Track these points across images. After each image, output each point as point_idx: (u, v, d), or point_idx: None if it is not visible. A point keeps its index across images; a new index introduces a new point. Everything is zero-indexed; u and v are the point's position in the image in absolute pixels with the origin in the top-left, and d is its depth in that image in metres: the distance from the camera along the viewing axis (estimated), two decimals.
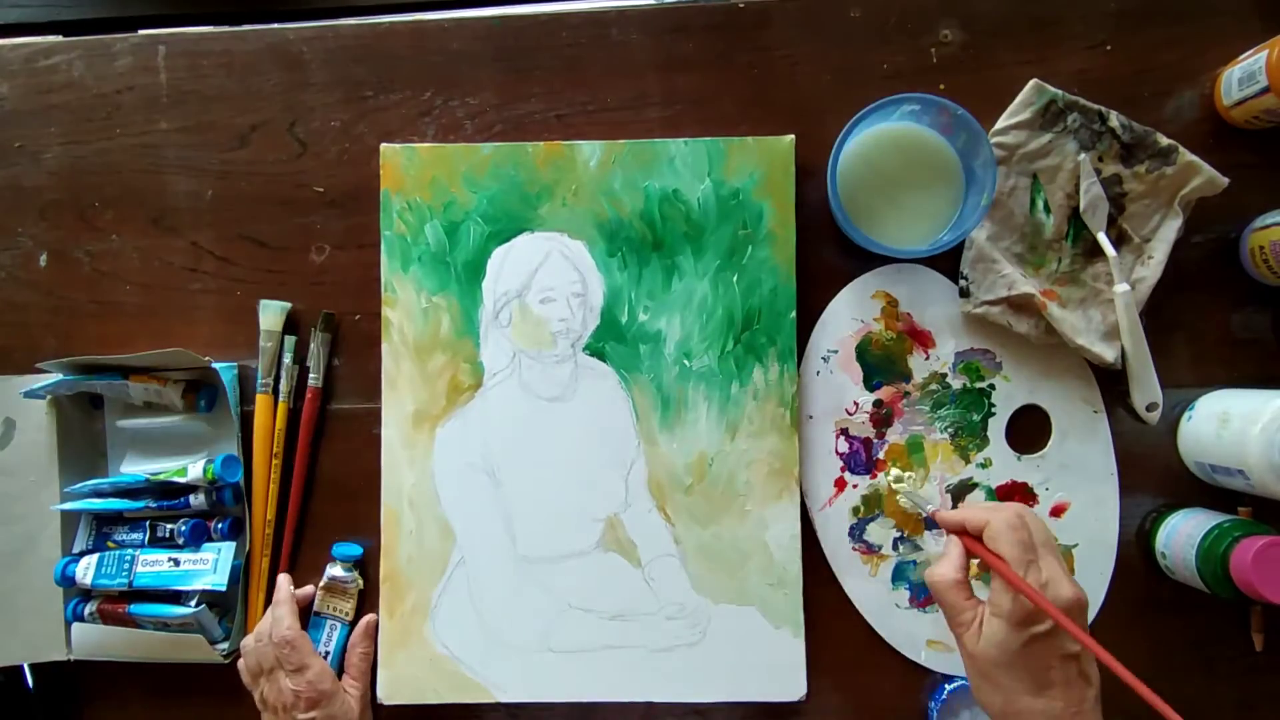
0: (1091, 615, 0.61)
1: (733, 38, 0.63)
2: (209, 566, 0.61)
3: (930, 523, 0.62)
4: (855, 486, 0.62)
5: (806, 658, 0.61)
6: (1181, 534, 0.58)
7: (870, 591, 0.62)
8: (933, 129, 0.59)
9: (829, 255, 0.63)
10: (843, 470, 0.62)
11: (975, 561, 0.51)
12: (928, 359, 0.62)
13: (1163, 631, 0.61)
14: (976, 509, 0.51)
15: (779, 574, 0.61)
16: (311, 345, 0.64)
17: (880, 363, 0.62)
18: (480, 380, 0.63)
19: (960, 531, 0.51)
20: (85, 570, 0.62)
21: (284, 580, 0.63)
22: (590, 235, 0.62)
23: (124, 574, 0.61)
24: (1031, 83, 0.60)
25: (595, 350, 0.62)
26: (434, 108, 0.64)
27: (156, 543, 0.63)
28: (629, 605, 0.62)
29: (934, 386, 0.62)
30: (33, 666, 0.65)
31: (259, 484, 0.63)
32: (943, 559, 0.51)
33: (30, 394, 0.63)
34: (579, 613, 0.62)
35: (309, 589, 0.63)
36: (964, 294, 0.61)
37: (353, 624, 0.63)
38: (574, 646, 0.62)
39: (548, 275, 0.63)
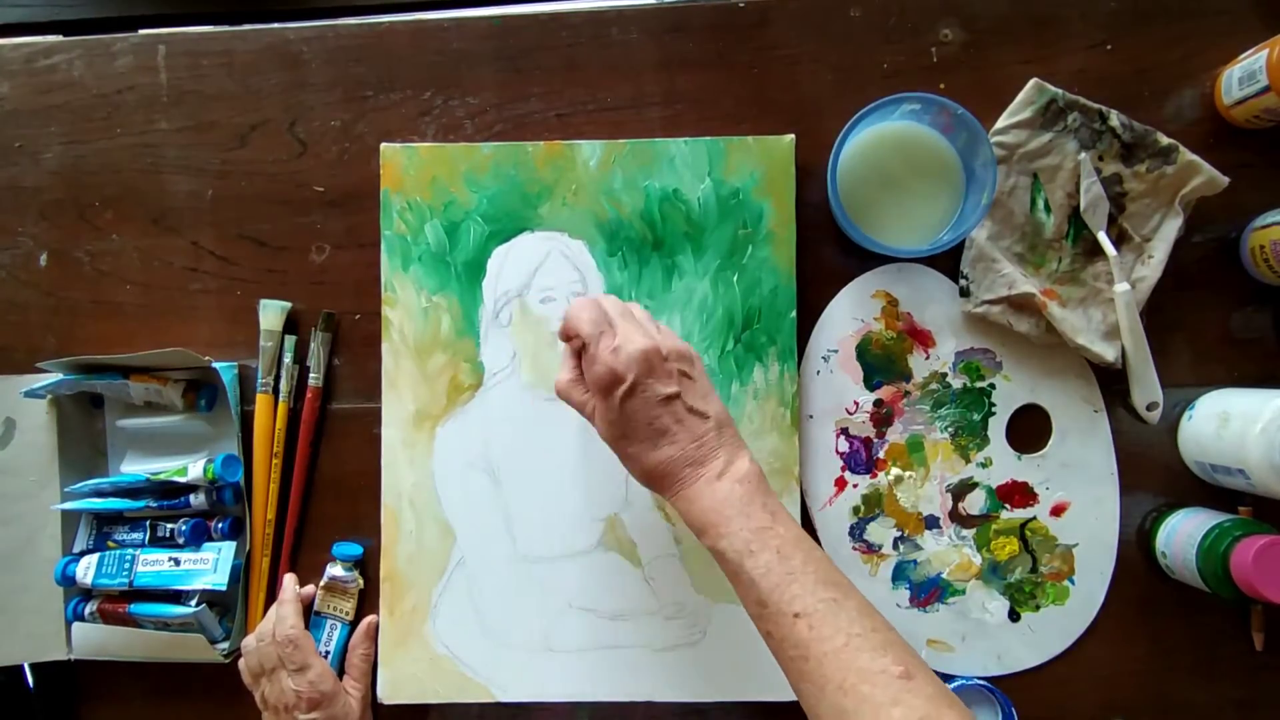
0: (1092, 615, 0.61)
1: (733, 37, 0.63)
2: (209, 566, 0.61)
3: (930, 522, 0.62)
4: (855, 486, 0.62)
5: None
6: (1182, 533, 0.58)
7: (870, 591, 0.62)
8: (933, 128, 0.59)
9: (829, 255, 0.63)
10: (843, 470, 0.62)
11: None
12: (928, 358, 0.62)
13: (1163, 631, 0.61)
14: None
15: None
16: (311, 345, 0.64)
17: (880, 362, 0.62)
18: (480, 380, 0.63)
19: (566, 336, 0.52)
20: (85, 570, 0.62)
21: (289, 580, 0.63)
22: (590, 235, 0.62)
23: (124, 574, 0.61)
24: (1032, 82, 0.60)
25: None
26: (434, 107, 0.64)
27: (157, 542, 0.63)
28: (629, 605, 0.62)
29: (934, 386, 0.62)
30: (33, 666, 0.65)
31: (259, 484, 0.63)
32: (560, 368, 0.52)
33: (30, 394, 0.63)
34: (579, 612, 0.62)
35: (310, 588, 0.63)
36: (964, 293, 0.61)
37: (353, 624, 0.63)
38: (574, 646, 0.62)
39: (548, 275, 0.63)
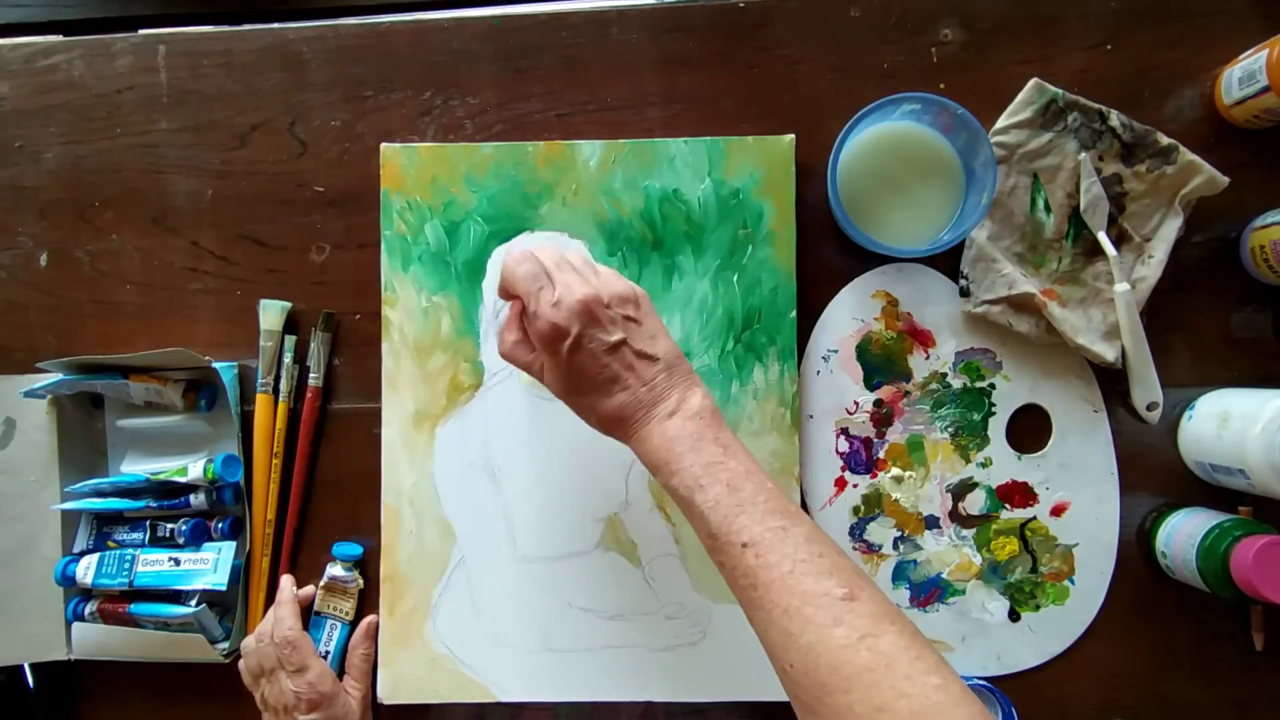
0: (1092, 615, 0.61)
1: (733, 37, 0.63)
2: (209, 566, 0.61)
3: (930, 522, 0.62)
4: (855, 486, 0.62)
5: None
6: (1182, 533, 0.58)
7: None
8: (933, 128, 0.59)
9: (829, 255, 0.63)
10: (843, 470, 0.62)
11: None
12: (928, 358, 0.62)
13: (1163, 631, 0.61)
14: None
15: None
16: (312, 345, 0.64)
17: (880, 362, 0.62)
18: (480, 380, 0.63)
19: (506, 295, 0.51)
20: (85, 570, 0.62)
21: (287, 581, 0.63)
22: (590, 235, 0.62)
23: (124, 573, 0.61)
24: (1032, 82, 0.60)
25: None
26: (434, 107, 0.64)
27: (157, 542, 0.63)
28: (629, 605, 0.62)
29: (934, 386, 0.62)
30: (33, 666, 0.65)
31: (259, 483, 0.63)
32: (503, 329, 0.52)
33: (30, 394, 0.63)
34: (579, 612, 0.62)
35: (310, 589, 0.63)
36: (964, 293, 0.61)
37: (353, 623, 0.63)
38: (574, 646, 0.62)
39: None
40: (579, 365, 0.47)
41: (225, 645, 0.62)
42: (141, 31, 0.67)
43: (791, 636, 0.41)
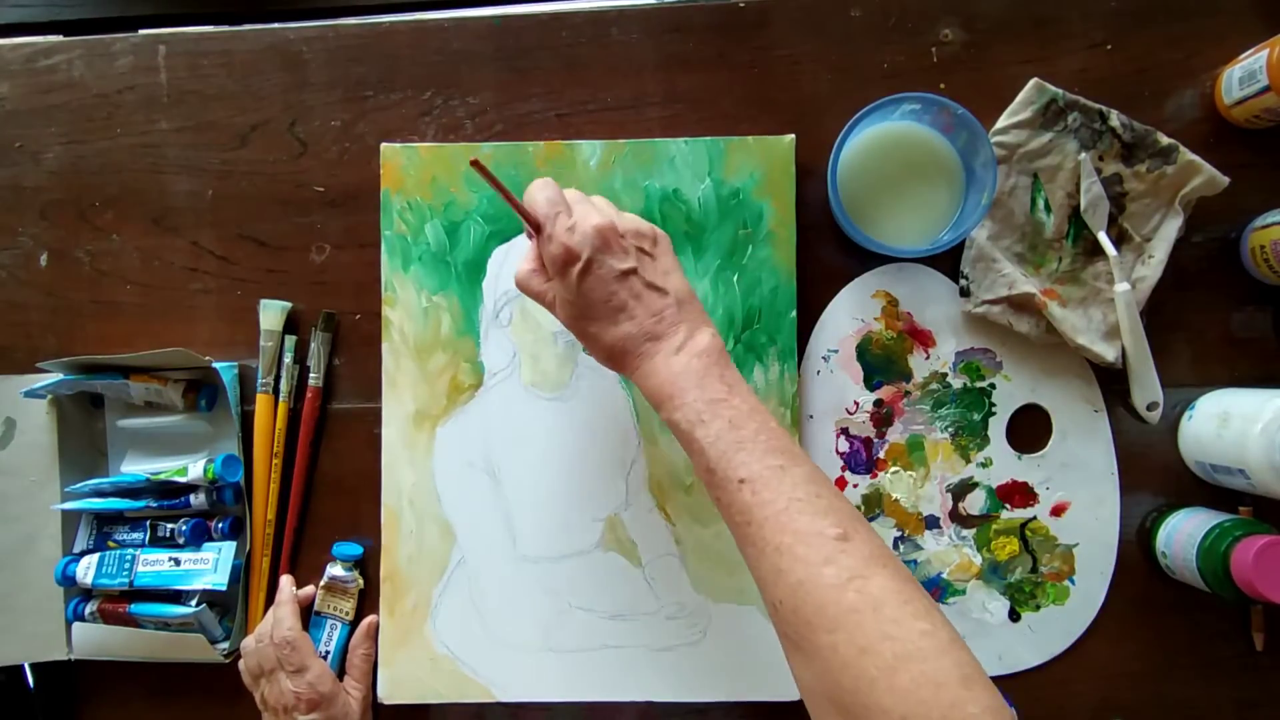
0: (1092, 615, 0.61)
1: (733, 37, 0.63)
2: (209, 566, 0.61)
3: (931, 522, 0.62)
4: (855, 486, 0.62)
5: None
6: (1182, 533, 0.58)
7: None
8: (933, 128, 0.59)
9: (829, 255, 0.63)
10: (843, 470, 0.62)
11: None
12: (928, 358, 0.62)
13: (1163, 631, 0.61)
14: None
15: None
16: (312, 345, 0.64)
17: (880, 362, 0.62)
18: (481, 380, 0.63)
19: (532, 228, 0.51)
20: (86, 570, 0.62)
21: (286, 581, 0.63)
22: None
23: (124, 573, 0.61)
24: (1032, 82, 0.60)
25: None
26: (434, 107, 0.64)
27: (157, 542, 0.63)
28: (629, 605, 0.62)
29: (934, 386, 0.62)
30: (33, 666, 0.65)
31: (259, 483, 0.63)
32: (521, 259, 0.52)
33: (30, 394, 0.63)
34: (579, 612, 0.62)
35: (310, 589, 0.63)
36: (964, 293, 0.61)
37: (353, 623, 0.63)
38: (574, 646, 0.62)
39: None
40: (588, 290, 0.47)
41: (225, 645, 0.62)
42: (141, 31, 0.67)
43: (781, 573, 0.41)
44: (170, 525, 0.63)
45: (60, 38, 0.67)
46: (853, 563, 0.40)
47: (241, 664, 0.60)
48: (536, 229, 0.49)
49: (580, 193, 0.51)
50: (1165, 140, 0.59)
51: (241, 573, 0.63)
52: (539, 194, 0.48)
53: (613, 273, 0.47)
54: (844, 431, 0.62)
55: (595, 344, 0.49)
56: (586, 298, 0.47)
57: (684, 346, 0.47)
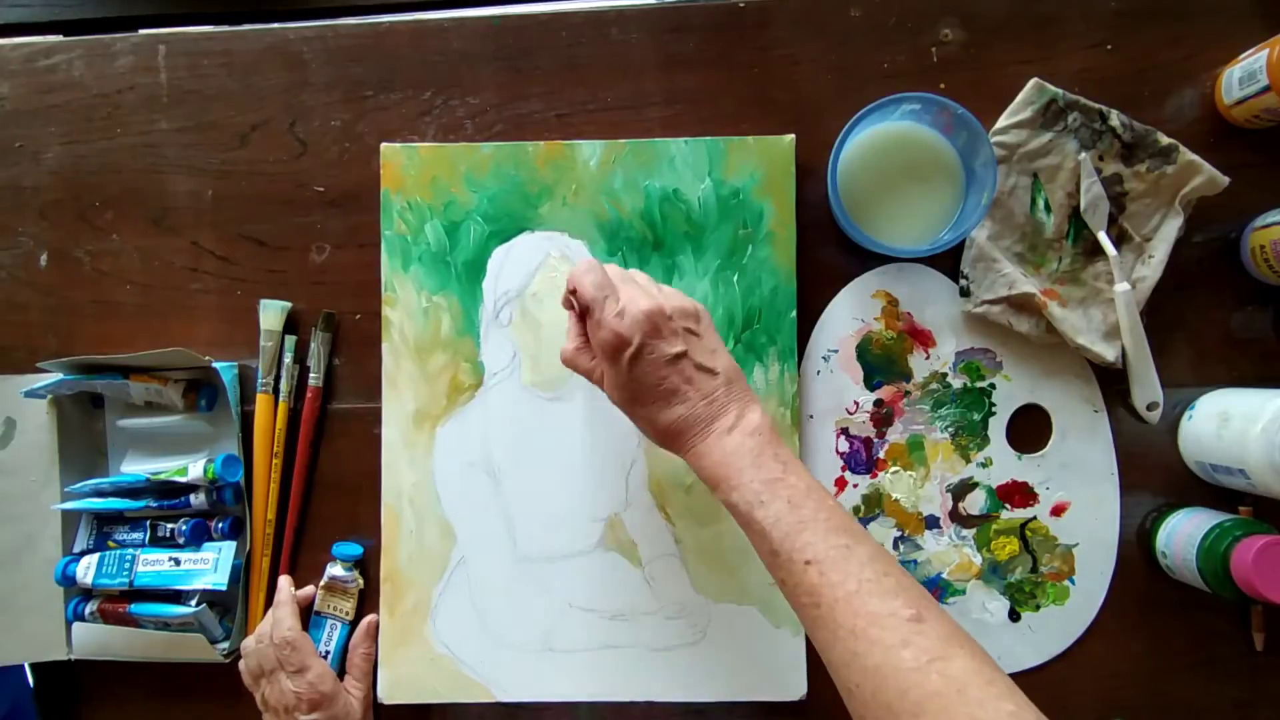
0: (1092, 615, 0.61)
1: (733, 37, 0.63)
2: (209, 566, 0.61)
3: (931, 522, 0.62)
4: (855, 486, 0.62)
5: (807, 657, 0.61)
6: (1182, 533, 0.58)
7: None
8: (933, 128, 0.59)
9: (829, 255, 0.63)
10: (843, 470, 0.62)
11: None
12: (928, 358, 0.62)
13: (1163, 631, 0.61)
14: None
15: None
16: (312, 345, 0.64)
17: (880, 362, 0.62)
18: (481, 380, 0.63)
19: (570, 304, 0.52)
20: (86, 570, 0.62)
21: (285, 582, 0.63)
22: (591, 235, 0.62)
23: (124, 573, 0.61)
24: (1032, 82, 0.60)
25: None
26: (434, 107, 0.64)
27: (157, 542, 0.63)
28: (629, 605, 0.62)
29: (934, 386, 0.62)
30: (33, 666, 0.65)
31: (259, 483, 0.63)
32: (566, 336, 0.52)
33: (31, 394, 0.63)
34: (579, 612, 0.62)
35: (309, 590, 0.63)
36: (964, 293, 0.61)
37: (353, 623, 0.63)
38: (574, 646, 0.62)
39: (548, 275, 0.63)
40: (639, 376, 0.48)
41: (225, 645, 0.62)
42: (141, 31, 0.67)
43: (857, 656, 0.41)
44: (170, 525, 0.63)
45: (60, 38, 0.67)
46: (930, 644, 0.40)
47: (242, 664, 0.60)
48: (584, 313, 0.49)
49: (620, 269, 0.51)
50: (1165, 140, 0.59)
51: (241, 573, 0.63)
52: (585, 277, 0.48)
53: (664, 357, 0.47)
54: (844, 431, 0.62)
55: (648, 426, 0.50)
56: (638, 382, 0.48)
57: (736, 426, 0.47)
